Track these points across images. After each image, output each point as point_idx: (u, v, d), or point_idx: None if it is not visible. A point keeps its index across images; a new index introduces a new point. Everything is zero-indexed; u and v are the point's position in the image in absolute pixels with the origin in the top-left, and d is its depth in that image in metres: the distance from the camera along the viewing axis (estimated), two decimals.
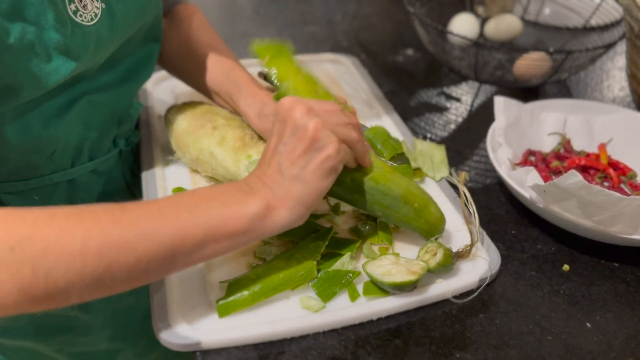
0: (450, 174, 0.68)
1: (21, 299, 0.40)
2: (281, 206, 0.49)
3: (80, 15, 0.53)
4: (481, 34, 1.05)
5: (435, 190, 0.70)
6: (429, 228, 0.59)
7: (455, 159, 0.79)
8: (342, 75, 0.98)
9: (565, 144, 0.77)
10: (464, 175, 0.64)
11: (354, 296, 0.55)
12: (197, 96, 0.89)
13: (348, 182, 0.57)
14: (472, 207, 0.62)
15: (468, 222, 0.62)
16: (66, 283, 0.41)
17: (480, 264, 0.59)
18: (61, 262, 0.40)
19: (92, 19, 0.54)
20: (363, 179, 0.57)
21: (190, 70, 0.73)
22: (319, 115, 0.51)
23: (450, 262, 0.56)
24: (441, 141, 0.82)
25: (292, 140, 0.50)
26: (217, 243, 0.48)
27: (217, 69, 0.70)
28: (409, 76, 1.03)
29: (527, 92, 0.96)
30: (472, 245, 0.59)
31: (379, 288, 0.55)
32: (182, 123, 0.70)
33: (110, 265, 0.42)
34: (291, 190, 0.50)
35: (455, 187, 0.71)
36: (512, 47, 1.03)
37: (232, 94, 0.68)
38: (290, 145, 0.50)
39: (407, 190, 0.58)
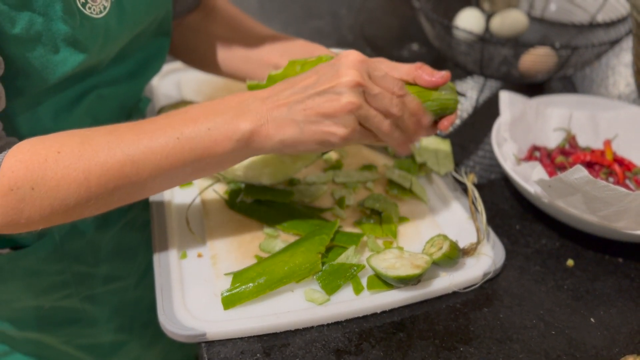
0: (460, 174, 0.68)
1: (44, 224, 0.50)
2: (267, 136, 0.51)
3: (89, 8, 0.53)
4: (487, 30, 1.05)
5: (440, 185, 0.70)
6: (444, 102, 0.56)
7: (460, 154, 0.79)
8: None
9: (571, 139, 0.77)
10: (472, 176, 0.66)
11: (358, 289, 0.55)
12: (200, 89, 0.89)
13: None
14: (480, 206, 0.62)
15: (475, 219, 0.62)
16: (76, 205, 0.50)
17: (485, 259, 0.59)
18: (71, 191, 0.48)
19: (100, 12, 0.54)
20: None
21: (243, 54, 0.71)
22: (370, 91, 0.50)
23: (456, 254, 0.56)
24: (446, 136, 0.82)
25: (322, 96, 0.50)
26: (200, 162, 0.51)
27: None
28: None
29: (533, 87, 0.95)
30: (478, 243, 0.59)
31: (383, 281, 0.56)
32: None
33: (110, 189, 0.50)
34: (286, 128, 0.51)
35: (459, 182, 0.71)
36: (517, 43, 1.02)
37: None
38: (316, 98, 0.50)
39: None
